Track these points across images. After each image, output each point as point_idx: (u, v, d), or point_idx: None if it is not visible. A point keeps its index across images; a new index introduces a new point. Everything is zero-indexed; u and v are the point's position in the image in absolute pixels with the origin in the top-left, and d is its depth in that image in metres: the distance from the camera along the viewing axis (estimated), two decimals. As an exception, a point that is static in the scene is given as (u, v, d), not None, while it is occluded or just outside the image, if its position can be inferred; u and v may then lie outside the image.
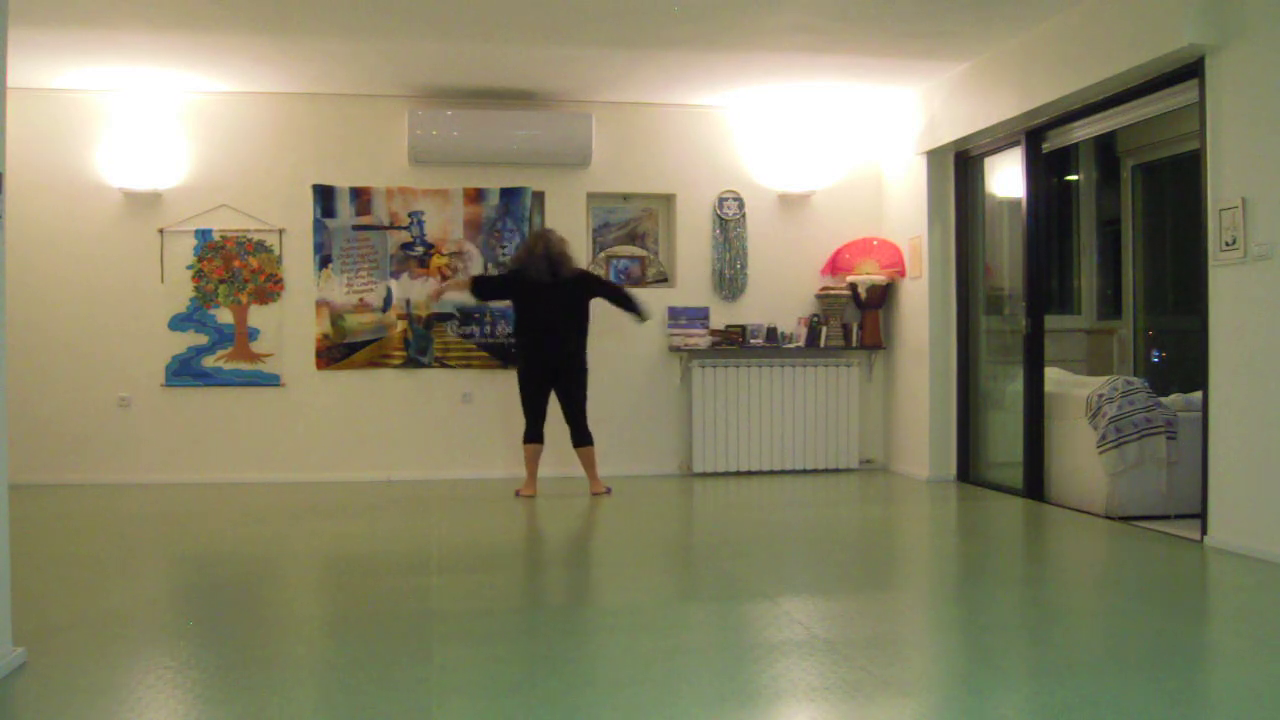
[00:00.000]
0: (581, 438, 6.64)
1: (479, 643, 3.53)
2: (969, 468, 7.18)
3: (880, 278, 7.62)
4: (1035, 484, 6.39)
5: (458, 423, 7.42)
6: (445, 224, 7.40)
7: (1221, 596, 4.43)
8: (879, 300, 7.67)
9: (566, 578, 4.73)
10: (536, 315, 6.55)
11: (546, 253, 6.53)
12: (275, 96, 7.29)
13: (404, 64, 6.69)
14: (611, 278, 7.69)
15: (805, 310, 7.79)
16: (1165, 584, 4.50)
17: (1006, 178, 6.90)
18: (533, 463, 6.62)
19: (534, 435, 6.62)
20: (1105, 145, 7.99)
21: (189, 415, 7.22)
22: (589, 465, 6.67)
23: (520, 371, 6.65)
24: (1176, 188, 7.73)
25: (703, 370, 7.55)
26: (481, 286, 6.74)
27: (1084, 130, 6.24)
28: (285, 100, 7.31)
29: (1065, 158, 8.14)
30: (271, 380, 7.28)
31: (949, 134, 6.89)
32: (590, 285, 6.68)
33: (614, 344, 7.56)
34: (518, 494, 6.60)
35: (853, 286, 7.65)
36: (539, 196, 7.58)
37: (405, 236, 7.37)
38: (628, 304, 6.70)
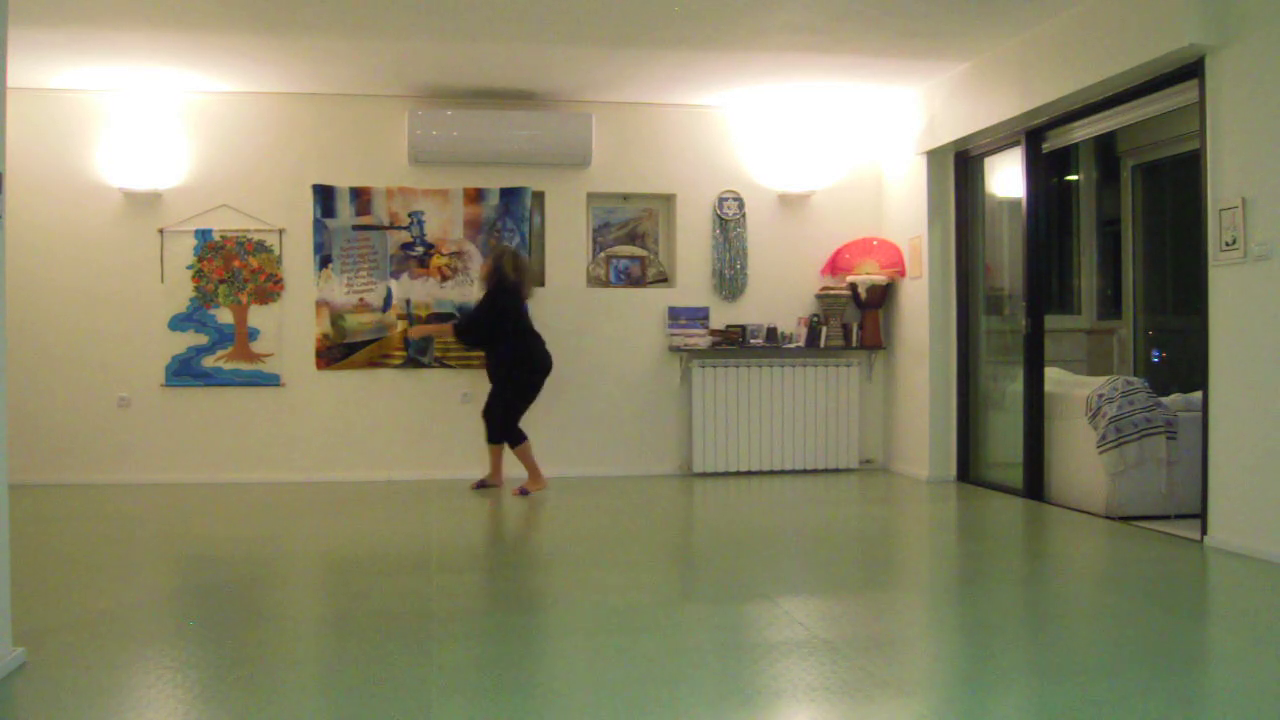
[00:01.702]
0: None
1: (479, 643, 3.53)
2: (969, 468, 7.18)
3: (880, 278, 7.62)
4: (1035, 484, 6.39)
5: (458, 423, 7.42)
6: (445, 224, 7.40)
7: (1221, 596, 4.43)
8: (879, 300, 7.67)
9: (567, 577, 4.73)
10: (528, 325, 6.76)
11: (523, 268, 6.74)
12: (275, 96, 7.29)
13: (404, 64, 6.70)
14: (611, 278, 7.75)
15: (805, 310, 7.79)
16: (1165, 584, 4.49)
17: (1006, 178, 6.90)
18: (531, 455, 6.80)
19: (523, 433, 6.78)
20: (1105, 145, 7.99)
21: (189, 415, 7.22)
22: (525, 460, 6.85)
23: (528, 382, 6.72)
24: (1176, 188, 7.73)
25: (703, 370, 7.55)
26: (470, 332, 6.75)
27: (1084, 130, 6.24)
28: (285, 100, 7.31)
29: (1065, 158, 8.14)
30: (271, 380, 7.28)
31: (949, 134, 6.89)
32: None
33: (614, 344, 7.57)
34: (524, 491, 6.67)
35: (853, 286, 7.65)
36: (539, 196, 7.58)
37: (405, 236, 7.37)
38: None
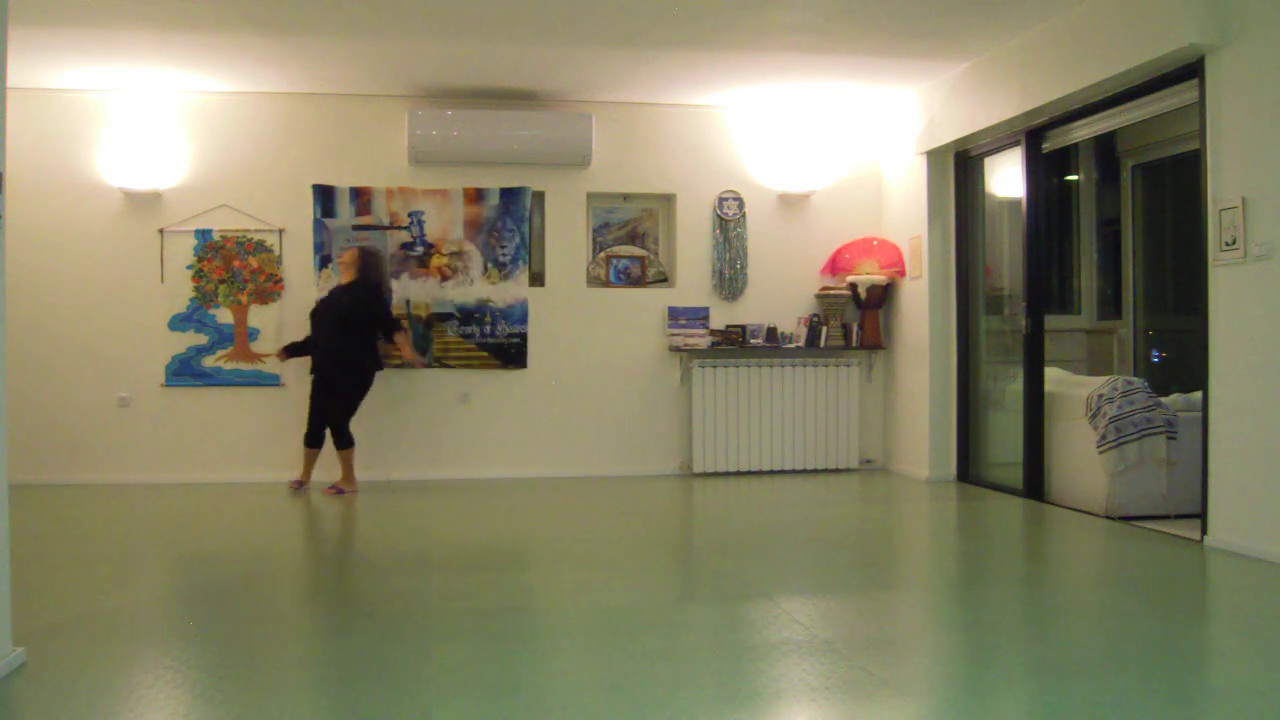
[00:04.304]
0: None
1: (479, 643, 3.53)
2: (969, 468, 7.18)
3: (880, 278, 7.62)
4: (1035, 484, 6.39)
5: (457, 423, 7.42)
6: (445, 224, 7.39)
7: (1221, 596, 4.43)
8: (879, 300, 7.67)
9: (566, 577, 4.73)
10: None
11: (384, 270, 7.00)
12: (275, 96, 7.29)
13: (404, 64, 6.69)
14: (611, 278, 7.73)
15: (805, 310, 7.79)
16: (1165, 584, 4.50)
17: (1006, 178, 6.90)
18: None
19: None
20: (1105, 145, 7.98)
21: (189, 415, 7.22)
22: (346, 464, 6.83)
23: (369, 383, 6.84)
24: (1176, 188, 7.73)
25: (703, 370, 7.55)
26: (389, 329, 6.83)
27: (1084, 130, 6.24)
28: (285, 100, 7.31)
29: (1065, 158, 8.13)
30: (271, 380, 7.28)
31: (949, 134, 6.89)
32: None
33: (614, 344, 7.57)
34: (338, 490, 6.68)
35: (853, 286, 7.65)
36: (539, 196, 7.58)
37: (405, 236, 7.36)
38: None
